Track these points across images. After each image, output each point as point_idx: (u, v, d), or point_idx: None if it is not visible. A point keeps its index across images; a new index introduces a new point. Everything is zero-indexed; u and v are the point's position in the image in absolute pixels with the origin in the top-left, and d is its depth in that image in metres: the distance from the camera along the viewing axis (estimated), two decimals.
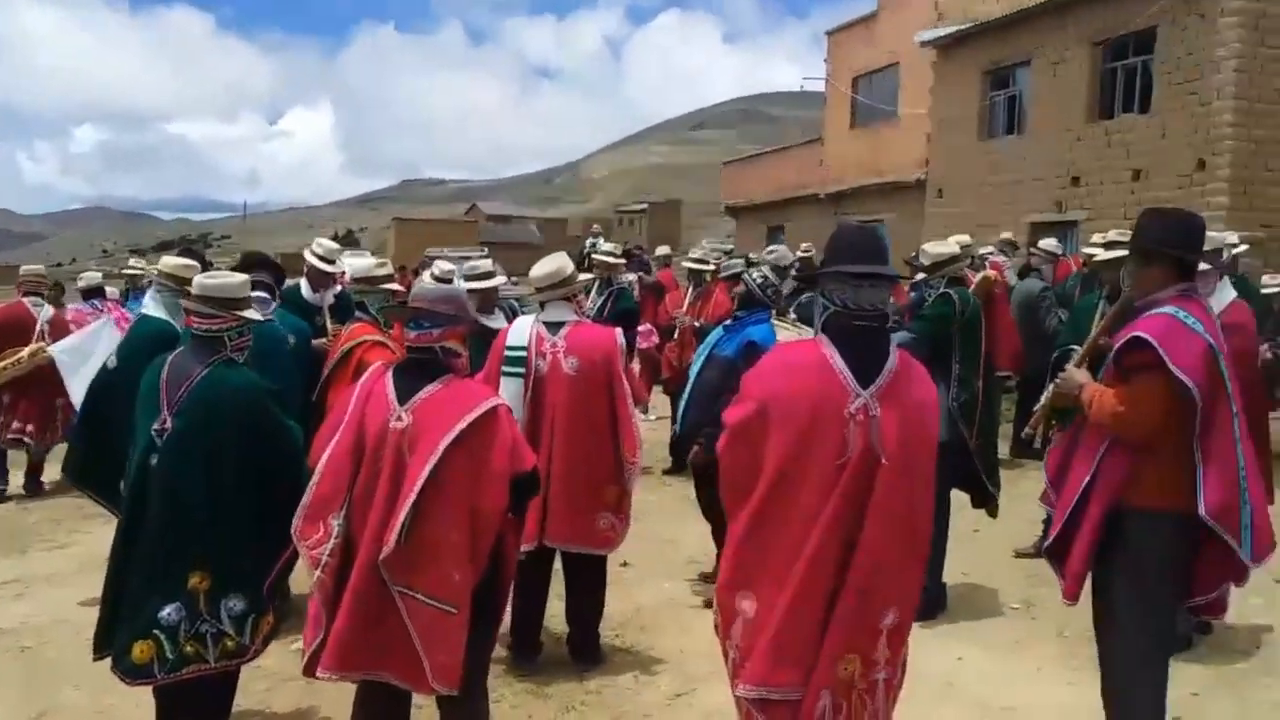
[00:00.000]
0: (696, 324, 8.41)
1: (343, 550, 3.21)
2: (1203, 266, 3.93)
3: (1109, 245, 6.00)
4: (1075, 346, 5.35)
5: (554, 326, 4.71)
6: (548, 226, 65.66)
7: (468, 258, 12.67)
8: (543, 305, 4.84)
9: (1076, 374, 3.61)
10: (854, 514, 2.83)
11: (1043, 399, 3.86)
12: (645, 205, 67.18)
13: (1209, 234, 4.33)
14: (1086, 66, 17.39)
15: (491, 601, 3.42)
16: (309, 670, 3.27)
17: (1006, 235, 12.97)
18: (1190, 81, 15.34)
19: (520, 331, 4.70)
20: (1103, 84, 17.34)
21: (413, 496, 3.13)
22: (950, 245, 5.83)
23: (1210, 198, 14.71)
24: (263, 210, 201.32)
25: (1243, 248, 7.70)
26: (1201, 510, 3.22)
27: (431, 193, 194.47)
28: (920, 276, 5.64)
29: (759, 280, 5.93)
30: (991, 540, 6.35)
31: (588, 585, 4.85)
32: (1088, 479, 3.39)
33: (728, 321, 5.66)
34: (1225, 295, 5.07)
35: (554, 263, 4.90)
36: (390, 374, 3.34)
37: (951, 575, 5.63)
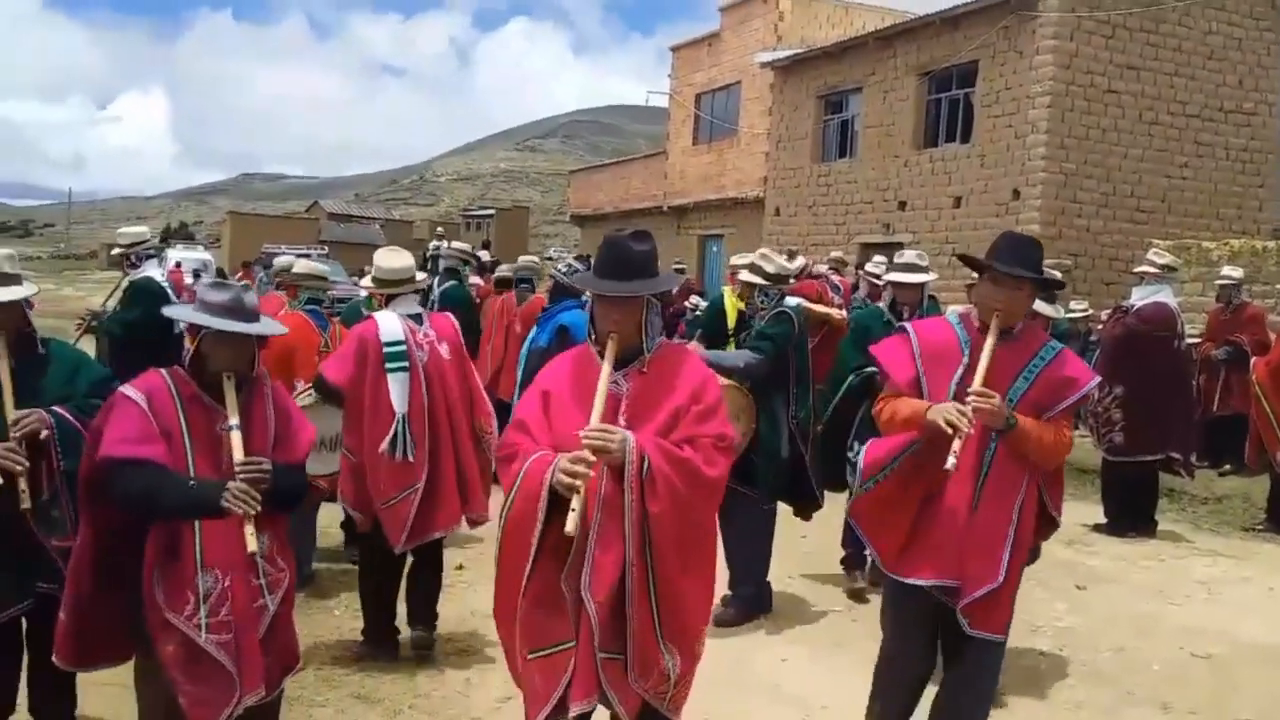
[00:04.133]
0: None
1: None
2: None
3: (908, 268, 5.71)
4: (874, 368, 5.41)
5: (415, 319, 4.80)
6: (392, 227, 64.19)
7: (306, 255, 12.44)
8: (388, 300, 4.83)
9: (1000, 402, 3.31)
10: None
11: (935, 417, 3.27)
12: (492, 210, 66.63)
13: None
14: (913, 96, 18.23)
15: None
16: None
17: (837, 254, 13.53)
18: (1008, 115, 16.30)
19: (392, 327, 4.70)
20: (928, 113, 18.25)
21: None
22: (785, 260, 5.90)
23: (1024, 226, 15.64)
24: (90, 198, 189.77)
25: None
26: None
27: (270, 188, 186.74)
28: (759, 282, 5.50)
29: (565, 271, 6.15)
30: (817, 545, 6.59)
31: (431, 563, 4.98)
32: (1015, 514, 3.39)
33: (540, 315, 5.85)
34: None
35: (403, 258, 4.94)
36: None
37: (779, 580, 5.82)
